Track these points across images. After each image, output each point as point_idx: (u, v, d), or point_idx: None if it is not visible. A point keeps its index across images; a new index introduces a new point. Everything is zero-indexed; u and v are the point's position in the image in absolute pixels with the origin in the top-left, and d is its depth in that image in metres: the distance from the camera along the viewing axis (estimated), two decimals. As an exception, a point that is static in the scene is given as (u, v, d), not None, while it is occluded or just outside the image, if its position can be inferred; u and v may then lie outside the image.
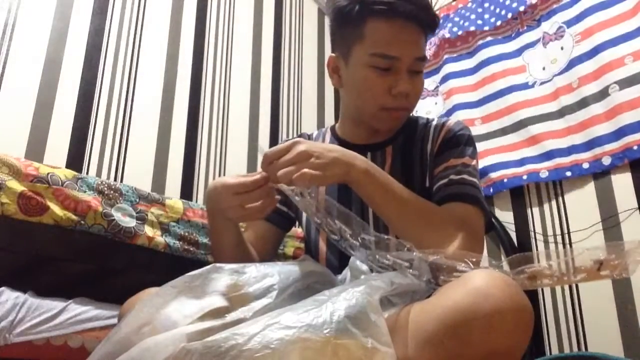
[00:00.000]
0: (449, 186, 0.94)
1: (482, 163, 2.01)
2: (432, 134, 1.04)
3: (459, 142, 1.01)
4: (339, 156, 0.81)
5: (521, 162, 1.92)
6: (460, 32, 2.20)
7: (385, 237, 0.76)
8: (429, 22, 0.97)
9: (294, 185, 0.77)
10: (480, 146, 2.02)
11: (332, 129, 1.14)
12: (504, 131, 2.00)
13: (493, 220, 1.88)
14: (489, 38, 2.12)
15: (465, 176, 0.95)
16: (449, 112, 2.17)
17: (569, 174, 1.79)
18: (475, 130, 2.07)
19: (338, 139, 1.10)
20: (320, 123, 2.59)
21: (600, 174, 1.73)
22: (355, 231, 0.78)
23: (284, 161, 0.79)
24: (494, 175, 1.97)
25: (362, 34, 0.95)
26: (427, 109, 2.33)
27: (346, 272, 0.84)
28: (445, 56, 2.26)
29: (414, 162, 1.02)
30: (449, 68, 2.22)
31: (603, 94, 1.73)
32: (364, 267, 0.78)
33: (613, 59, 1.72)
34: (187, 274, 0.72)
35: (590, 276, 0.68)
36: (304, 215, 1.09)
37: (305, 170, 0.76)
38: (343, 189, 1.03)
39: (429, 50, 2.32)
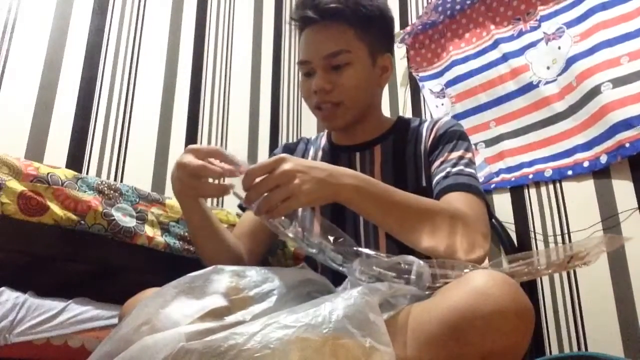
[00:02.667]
0: (447, 178, 0.94)
1: (497, 166, 2.02)
2: (425, 133, 1.05)
3: (452, 137, 1.02)
4: (326, 177, 0.77)
5: (531, 164, 1.93)
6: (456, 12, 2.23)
7: (381, 255, 0.75)
8: (328, 15, 0.97)
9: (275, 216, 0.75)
10: (495, 149, 2.03)
11: (328, 133, 1.18)
12: (516, 133, 2.01)
13: (493, 220, 1.89)
14: (495, 37, 2.12)
15: (462, 167, 0.96)
16: (460, 117, 2.17)
17: (570, 172, 1.80)
18: (490, 133, 2.07)
19: (330, 142, 1.15)
20: (320, 123, 2.59)
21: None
22: (339, 245, 0.76)
23: (267, 182, 0.74)
24: (507, 176, 1.98)
25: None
26: (432, 110, 2.34)
27: (346, 284, 0.84)
28: (452, 58, 2.26)
29: (407, 161, 1.03)
30: (457, 71, 2.22)
31: (596, 92, 1.73)
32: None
33: (609, 59, 1.72)
34: (188, 274, 0.72)
35: (559, 268, 0.73)
36: None
37: (285, 204, 0.74)
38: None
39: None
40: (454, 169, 0.95)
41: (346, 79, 0.98)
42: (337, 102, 1.00)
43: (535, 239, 1.84)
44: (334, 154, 1.11)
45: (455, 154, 0.99)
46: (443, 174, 0.96)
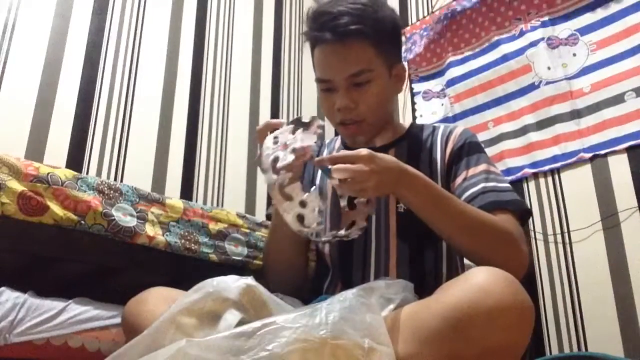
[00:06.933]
0: (485, 194, 0.95)
1: (498, 166, 2.02)
2: (439, 141, 1.07)
3: (473, 149, 1.03)
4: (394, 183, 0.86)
5: (533, 166, 1.94)
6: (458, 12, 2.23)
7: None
8: (354, 35, 0.96)
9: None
10: (494, 149, 2.04)
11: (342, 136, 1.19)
12: (515, 134, 2.01)
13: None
14: (496, 39, 2.12)
15: (496, 184, 0.97)
16: (458, 117, 2.18)
17: (569, 161, 1.82)
18: (488, 134, 2.08)
19: (344, 145, 1.16)
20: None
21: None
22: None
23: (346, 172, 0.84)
24: (507, 178, 1.99)
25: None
26: (433, 109, 2.34)
27: None
28: (450, 59, 2.26)
29: (421, 167, 1.04)
30: (456, 71, 2.22)
31: (617, 99, 1.74)
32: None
33: (632, 67, 1.74)
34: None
35: None
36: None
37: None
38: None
39: (419, 47, 2.33)
40: (490, 185, 0.96)
41: (369, 97, 0.99)
42: (360, 120, 1.01)
43: (536, 239, 1.84)
44: None
45: (479, 168, 0.99)
46: (478, 188, 0.96)
